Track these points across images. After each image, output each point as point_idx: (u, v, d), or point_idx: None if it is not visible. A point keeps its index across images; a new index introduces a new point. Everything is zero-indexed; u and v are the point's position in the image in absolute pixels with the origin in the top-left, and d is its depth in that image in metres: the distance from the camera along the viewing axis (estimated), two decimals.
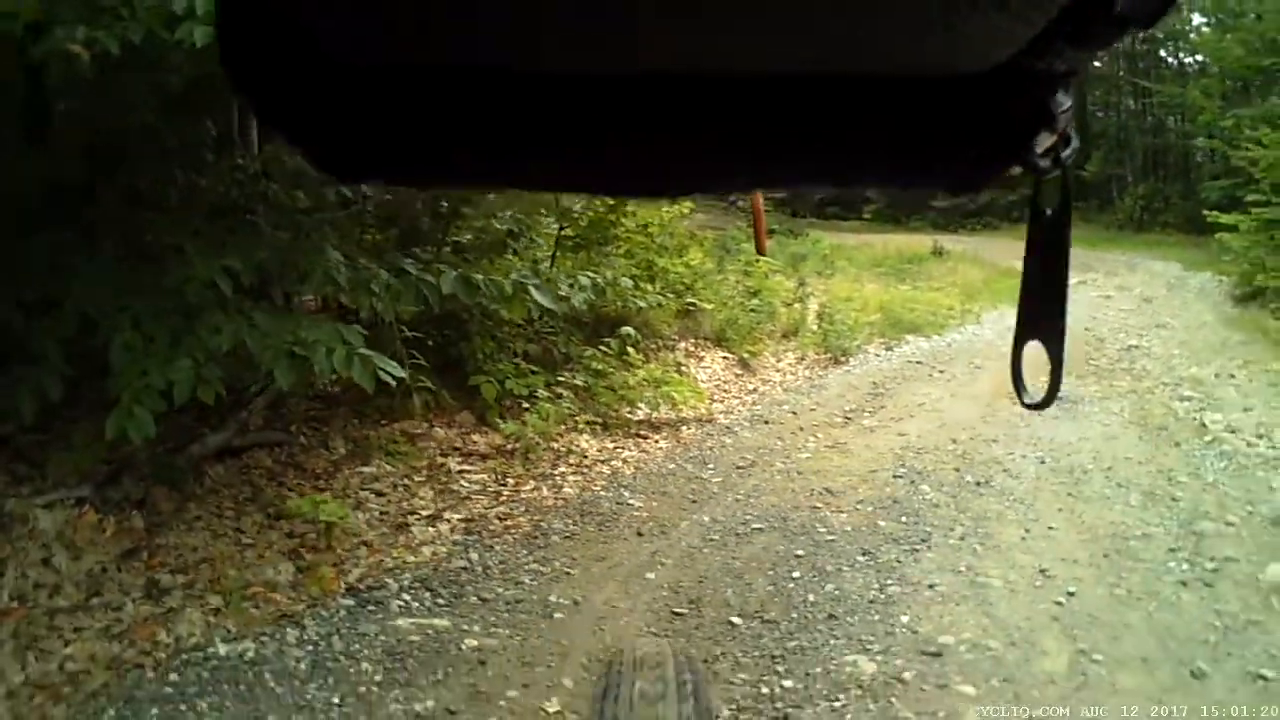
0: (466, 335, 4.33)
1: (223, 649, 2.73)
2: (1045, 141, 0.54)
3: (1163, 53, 19.85)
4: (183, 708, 2.49)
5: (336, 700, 2.56)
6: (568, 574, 3.38)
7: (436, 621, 2.99)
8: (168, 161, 3.39)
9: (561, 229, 5.86)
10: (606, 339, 5.68)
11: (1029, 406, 0.60)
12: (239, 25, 0.47)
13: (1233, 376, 6.63)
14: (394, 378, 2.87)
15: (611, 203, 5.81)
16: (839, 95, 0.53)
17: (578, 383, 5.05)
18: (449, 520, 3.64)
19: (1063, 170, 0.56)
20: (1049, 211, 0.59)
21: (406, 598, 3.12)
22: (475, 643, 2.86)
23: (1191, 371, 6.81)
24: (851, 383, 6.74)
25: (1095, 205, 20.52)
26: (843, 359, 7.51)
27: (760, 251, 11.62)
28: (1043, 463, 4.65)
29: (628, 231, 6.70)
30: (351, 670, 2.70)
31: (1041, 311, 0.61)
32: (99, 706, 2.45)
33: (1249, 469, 4.59)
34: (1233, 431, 5.27)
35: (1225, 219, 10.32)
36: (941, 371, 7.14)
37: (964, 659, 2.78)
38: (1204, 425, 5.40)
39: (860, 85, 0.52)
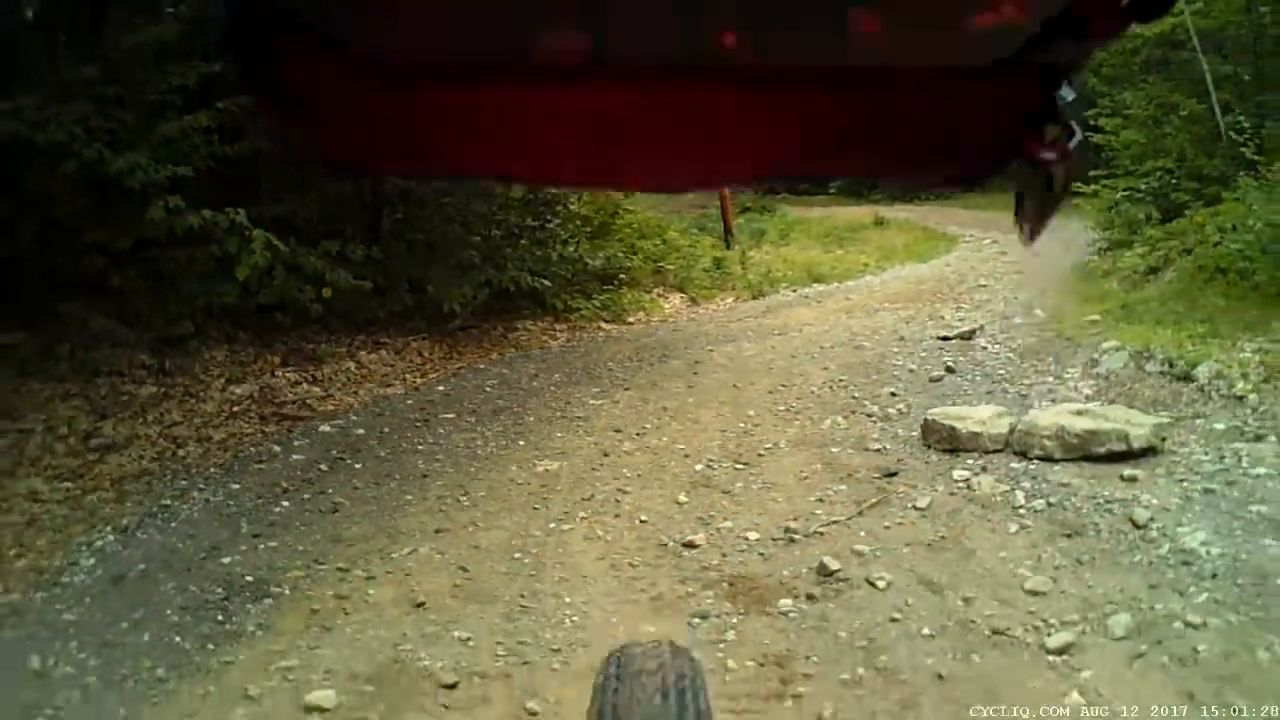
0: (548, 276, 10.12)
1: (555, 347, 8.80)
2: (1050, 134, 0.60)
3: None
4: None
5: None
6: (619, 333, 9.45)
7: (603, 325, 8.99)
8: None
9: (584, 226, 11.79)
10: (612, 282, 11.56)
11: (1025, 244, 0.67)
12: (243, 26, 0.54)
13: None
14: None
15: (615, 207, 11.75)
16: (842, 90, 0.57)
17: (598, 302, 10.94)
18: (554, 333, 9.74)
19: (1066, 163, 0.60)
20: (1032, 206, 0.64)
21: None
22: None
23: (1000, 293, 10.81)
24: (756, 307, 12.39)
25: None
26: (758, 297, 13.19)
27: (727, 229, 17.16)
28: (833, 329, 10.28)
29: (618, 225, 12.59)
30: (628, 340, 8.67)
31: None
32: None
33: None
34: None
35: (1086, 189, 12.62)
36: (818, 302, 12.37)
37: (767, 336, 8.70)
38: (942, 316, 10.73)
39: (863, 80, 0.57)
